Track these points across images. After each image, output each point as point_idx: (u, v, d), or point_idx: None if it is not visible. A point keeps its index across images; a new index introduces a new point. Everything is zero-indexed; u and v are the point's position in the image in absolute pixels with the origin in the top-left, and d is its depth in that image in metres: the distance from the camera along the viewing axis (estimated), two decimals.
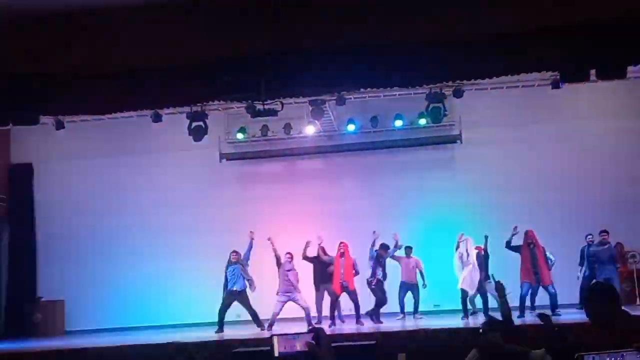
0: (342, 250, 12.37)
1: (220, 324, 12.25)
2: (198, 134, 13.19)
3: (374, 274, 12.57)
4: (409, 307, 13.08)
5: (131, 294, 15.08)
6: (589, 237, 12.67)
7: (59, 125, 13.98)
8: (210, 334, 11.45)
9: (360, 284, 12.61)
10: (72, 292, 14.98)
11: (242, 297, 12.38)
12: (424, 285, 13.11)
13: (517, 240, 12.23)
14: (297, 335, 3.09)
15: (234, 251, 12.69)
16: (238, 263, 12.53)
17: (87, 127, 14.59)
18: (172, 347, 9.77)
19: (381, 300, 12.62)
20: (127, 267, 15.30)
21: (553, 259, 12.48)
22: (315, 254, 12.63)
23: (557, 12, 8.50)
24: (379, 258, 12.66)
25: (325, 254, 12.72)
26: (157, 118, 13.40)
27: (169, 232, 15.36)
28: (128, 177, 15.74)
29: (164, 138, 14.89)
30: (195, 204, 15.47)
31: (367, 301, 12.66)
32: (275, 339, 3.11)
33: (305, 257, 12.53)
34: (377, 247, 12.68)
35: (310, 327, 11.63)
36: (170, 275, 15.04)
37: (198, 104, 12.62)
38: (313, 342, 2.96)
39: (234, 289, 12.36)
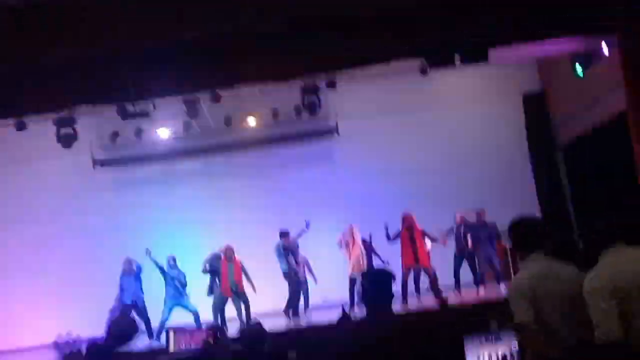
0: (229, 255, 12.19)
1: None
2: (67, 140, 12.56)
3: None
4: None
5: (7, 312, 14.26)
6: (457, 217, 13.12)
7: None
8: None
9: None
10: None
11: (136, 308, 12.14)
12: (315, 282, 13.16)
13: (397, 229, 12.50)
14: (193, 332, 2.97)
15: (127, 259, 12.31)
16: (131, 273, 12.20)
17: None
18: None
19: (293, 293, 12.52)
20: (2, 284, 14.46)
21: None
22: None
23: None
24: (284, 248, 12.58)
25: None
26: (21, 126, 12.66)
27: (46, 244, 14.65)
28: None
29: (31, 147, 14.11)
30: (70, 213, 14.82)
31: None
32: (171, 334, 2.98)
33: None
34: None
35: (209, 325, 11.49)
36: (50, 287, 14.37)
37: (65, 109, 12.03)
38: (210, 340, 2.86)
39: (129, 301, 12.09)
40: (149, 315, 12.19)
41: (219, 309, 12.12)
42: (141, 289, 12.29)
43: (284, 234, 12.60)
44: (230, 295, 12.10)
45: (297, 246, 12.79)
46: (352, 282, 12.51)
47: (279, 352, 8.92)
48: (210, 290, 12.41)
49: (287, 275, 12.51)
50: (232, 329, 11.48)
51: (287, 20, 8.63)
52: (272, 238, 12.76)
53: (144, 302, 12.23)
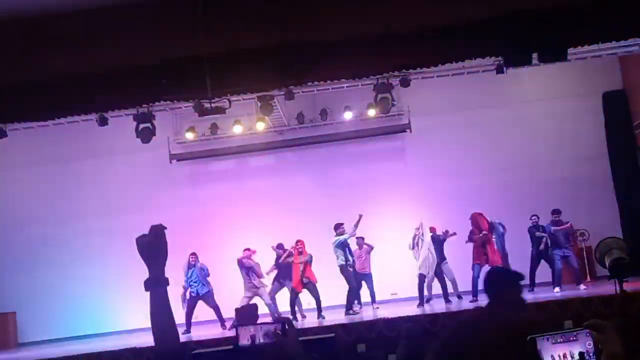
0: (299, 248, 12.35)
1: (188, 327, 12.24)
2: (146, 135, 12.96)
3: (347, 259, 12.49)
4: (364, 297, 13.09)
5: (84, 302, 14.82)
6: (533, 218, 12.87)
7: (2, 134, 13.57)
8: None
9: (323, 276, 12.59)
10: (24, 304, 14.66)
11: (205, 298, 12.43)
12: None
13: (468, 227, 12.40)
14: (263, 326, 3.04)
15: (192, 253, 12.62)
16: (195, 266, 12.48)
17: (32, 135, 14.23)
18: (129, 353, 9.60)
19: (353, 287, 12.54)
20: (79, 275, 15.04)
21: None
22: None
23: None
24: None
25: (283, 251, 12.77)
26: (102, 122, 13.13)
27: (121, 237, 15.08)
28: (76, 182, 15.45)
29: (111, 141, 14.63)
30: (147, 206, 15.21)
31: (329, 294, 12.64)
32: (239, 330, 3.06)
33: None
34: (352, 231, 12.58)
35: (276, 317, 11.71)
36: (123, 280, 14.82)
37: (144, 106, 12.41)
38: (280, 332, 2.92)
39: (199, 293, 12.42)
40: (216, 304, 12.45)
41: (291, 301, 12.30)
42: (205, 280, 12.53)
43: (338, 226, 12.62)
44: (300, 289, 12.24)
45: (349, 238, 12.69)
46: (421, 278, 12.44)
47: (348, 344, 9.03)
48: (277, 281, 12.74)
49: (343, 268, 12.47)
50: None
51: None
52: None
53: (209, 292, 12.49)
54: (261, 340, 3.00)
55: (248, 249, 12.61)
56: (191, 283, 12.47)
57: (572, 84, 15.09)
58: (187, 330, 12.13)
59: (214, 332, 11.51)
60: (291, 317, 12.01)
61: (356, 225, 12.41)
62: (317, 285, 12.22)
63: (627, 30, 9.99)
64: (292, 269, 12.41)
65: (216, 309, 12.43)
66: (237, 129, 14.69)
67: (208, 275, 12.60)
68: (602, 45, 11.55)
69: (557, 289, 11.92)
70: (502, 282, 4.05)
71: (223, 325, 12.19)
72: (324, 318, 11.92)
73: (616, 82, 15.36)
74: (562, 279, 12.24)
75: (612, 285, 9.88)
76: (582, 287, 11.87)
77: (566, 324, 8.82)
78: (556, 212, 12.52)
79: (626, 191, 14.97)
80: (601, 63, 14.29)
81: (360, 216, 12.34)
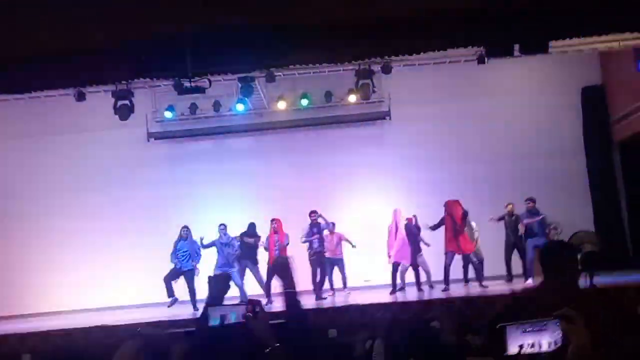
0: (275, 227, 12.35)
1: (170, 294, 12.34)
2: (124, 113, 12.81)
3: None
4: (337, 283, 13.13)
5: (58, 277, 14.71)
6: (508, 206, 12.96)
7: None
8: (137, 316, 11.23)
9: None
10: None
11: (186, 275, 12.45)
12: (353, 246, 13.05)
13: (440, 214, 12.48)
14: (233, 307, 3.03)
15: (184, 226, 12.72)
16: (187, 239, 12.56)
17: (7, 108, 14.03)
18: (99, 330, 9.49)
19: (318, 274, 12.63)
20: (55, 249, 14.93)
21: (476, 229, 12.79)
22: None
23: None
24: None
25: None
26: (80, 97, 12.98)
27: (97, 213, 15.05)
28: (53, 157, 15.27)
29: (88, 117, 14.47)
30: (123, 184, 15.15)
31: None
32: (209, 310, 3.05)
33: None
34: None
35: (245, 299, 11.68)
36: (101, 256, 14.77)
37: (123, 82, 12.29)
38: (250, 314, 2.91)
39: (182, 269, 12.45)
40: (194, 285, 12.43)
41: (269, 281, 12.27)
42: (191, 255, 12.53)
43: (314, 213, 12.68)
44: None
45: (324, 225, 12.78)
46: (395, 267, 12.50)
47: (319, 329, 9.04)
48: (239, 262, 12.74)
49: (312, 255, 12.60)
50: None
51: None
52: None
53: (192, 270, 12.50)
54: (231, 321, 2.99)
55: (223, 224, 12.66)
56: (180, 255, 12.46)
57: (551, 78, 15.19)
58: (170, 295, 12.28)
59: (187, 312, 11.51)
60: (266, 298, 12.06)
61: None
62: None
63: (608, 26, 10.07)
64: (256, 251, 12.49)
65: (192, 291, 12.38)
66: (216, 109, 14.64)
67: (198, 254, 12.61)
68: (583, 40, 11.59)
69: (529, 280, 12.01)
70: (563, 256, 3.73)
71: (194, 306, 12.14)
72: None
73: (595, 78, 15.47)
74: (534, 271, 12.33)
75: (583, 279, 10.04)
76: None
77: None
78: (530, 199, 12.58)
79: (600, 186, 15.14)
80: (581, 57, 14.38)
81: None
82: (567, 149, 15.05)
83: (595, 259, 10.09)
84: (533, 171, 14.58)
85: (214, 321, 3.01)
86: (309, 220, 12.82)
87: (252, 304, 2.98)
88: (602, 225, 14.58)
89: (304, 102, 14.62)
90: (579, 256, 6.29)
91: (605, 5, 9.40)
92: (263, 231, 12.83)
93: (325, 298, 12.38)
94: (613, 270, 11.67)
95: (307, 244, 12.66)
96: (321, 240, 12.66)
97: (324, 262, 12.68)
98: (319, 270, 12.61)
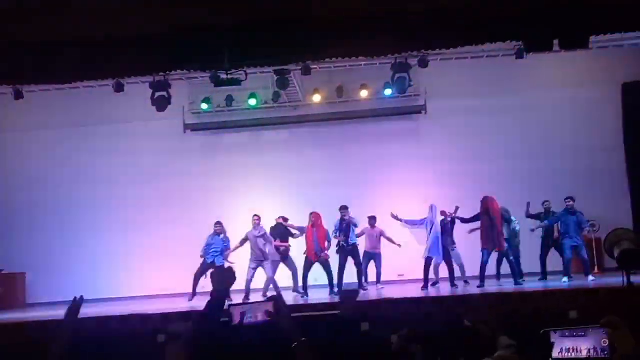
0: (313, 220, 12.37)
1: (194, 291, 12.37)
2: (161, 104, 12.99)
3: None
4: (372, 276, 13.11)
5: (95, 266, 14.96)
6: (546, 203, 12.77)
7: (18, 95, 13.61)
8: (172, 305, 11.35)
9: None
10: (34, 265, 14.79)
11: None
12: (398, 245, 12.97)
13: (476, 211, 12.33)
14: (255, 304, 3.04)
15: (217, 222, 12.71)
16: (221, 234, 12.58)
17: (47, 97, 14.28)
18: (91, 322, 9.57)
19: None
20: (90, 239, 15.19)
21: (517, 227, 12.64)
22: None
23: None
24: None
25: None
26: (119, 88, 13.15)
27: (133, 204, 15.25)
28: (90, 147, 15.48)
29: (126, 108, 14.63)
30: (159, 175, 15.31)
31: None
32: (232, 309, 3.06)
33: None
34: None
35: (268, 296, 11.69)
36: (134, 246, 14.96)
37: (161, 74, 12.42)
38: (272, 310, 2.92)
39: (210, 262, 12.45)
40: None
41: (305, 273, 12.33)
42: (223, 251, 12.58)
43: (343, 208, 12.63)
44: (315, 259, 12.27)
45: (354, 223, 12.65)
46: (428, 262, 12.42)
47: (352, 322, 9.05)
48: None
49: (341, 249, 12.53)
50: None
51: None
52: (352, 209, 12.77)
53: (222, 263, 12.49)
54: (255, 319, 2.99)
55: (257, 216, 12.63)
56: (212, 250, 12.50)
57: (591, 73, 14.93)
58: (192, 298, 12.22)
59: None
60: (302, 291, 12.12)
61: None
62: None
63: None
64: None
65: None
66: (253, 102, 14.70)
67: (228, 248, 12.64)
68: (625, 35, 11.39)
69: (565, 278, 11.86)
70: None
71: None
72: (336, 294, 11.95)
73: (636, 73, 15.16)
74: (572, 269, 12.16)
75: (620, 277, 9.89)
76: (590, 278, 11.80)
77: (571, 314, 8.84)
78: (569, 199, 12.35)
79: (639, 184, 14.86)
80: (622, 53, 14.11)
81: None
82: (607, 145, 14.80)
83: (633, 257, 9.90)
84: (572, 167, 14.39)
85: (236, 319, 3.01)
86: (356, 212, 12.81)
87: (273, 300, 2.99)
88: None
89: (252, 102, 14.57)
90: (616, 254, 6.20)
91: None
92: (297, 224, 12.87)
93: (366, 289, 12.34)
94: None
95: (336, 237, 12.62)
96: (347, 234, 12.55)
97: (355, 256, 12.61)
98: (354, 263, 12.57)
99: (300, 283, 12.38)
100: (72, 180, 15.45)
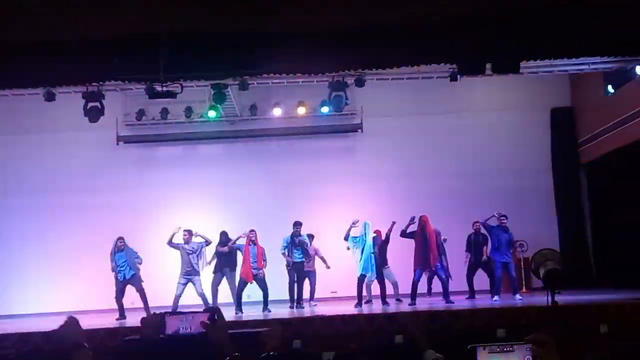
0: (252, 238, 12.25)
1: (121, 312, 12.01)
2: (94, 115, 12.65)
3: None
4: (305, 293, 13.06)
5: (17, 279, 14.52)
6: (475, 224, 12.96)
7: None
8: (95, 322, 11.02)
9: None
10: None
11: (132, 282, 12.19)
12: (327, 267, 12.91)
13: (412, 228, 12.47)
14: (192, 315, 2.97)
15: (120, 238, 12.36)
16: (124, 250, 12.25)
17: None
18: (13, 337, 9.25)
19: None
20: (13, 252, 14.76)
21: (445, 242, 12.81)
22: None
23: (457, 6, 8.73)
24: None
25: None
26: (50, 97, 12.79)
27: (61, 215, 14.85)
28: (19, 156, 15.05)
29: (57, 118, 14.27)
30: (91, 187, 14.96)
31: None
32: (166, 318, 2.98)
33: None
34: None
35: (206, 307, 11.49)
36: (59, 259, 14.55)
37: (94, 84, 12.16)
38: (208, 322, 2.84)
39: (126, 277, 12.15)
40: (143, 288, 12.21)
41: (240, 292, 12.16)
42: (133, 264, 12.28)
43: (297, 224, 12.61)
44: (251, 280, 12.13)
45: (306, 238, 12.70)
46: (361, 279, 12.47)
47: (284, 339, 8.99)
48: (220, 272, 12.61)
49: (293, 265, 12.50)
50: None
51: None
52: (286, 226, 12.75)
53: (135, 276, 12.22)
54: (190, 330, 2.93)
55: (189, 231, 12.44)
56: (119, 268, 12.18)
57: (522, 97, 15.39)
58: (121, 317, 11.92)
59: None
60: (236, 309, 11.91)
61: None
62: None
63: (579, 49, 10.26)
64: (235, 258, 12.43)
65: (142, 293, 12.18)
66: (188, 115, 14.56)
67: (138, 260, 12.37)
68: (554, 62, 11.80)
69: (496, 297, 12.06)
70: None
71: (147, 311, 11.89)
72: (269, 311, 11.87)
73: (565, 99, 15.74)
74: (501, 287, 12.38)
75: (545, 296, 10.12)
76: (517, 297, 12.05)
77: (499, 332, 9.00)
78: (503, 216, 12.59)
79: (566, 206, 15.36)
80: (552, 79, 14.62)
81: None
82: (536, 167, 15.27)
83: (558, 276, 10.15)
84: (501, 188, 14.75)
85: (171, 330, 2.95)
86: (284, 231, 12.73)
87: (211, 311, 2.93)
88: (566, 244, 14.76)
89: (211, 113, 14.45)
90: (541, 274, 6.35)
91: (576, 29, 9.58)
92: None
93: (303, 307, 12.31)
94: (575, 289, 11.82)
95: (286, 253, 12.55)
96: (304, 251, 12.56)
97: (302, 273, 12.60)
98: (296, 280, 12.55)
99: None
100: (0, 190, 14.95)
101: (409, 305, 11.77)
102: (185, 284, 12.17)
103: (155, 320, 2.84)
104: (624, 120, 13.18)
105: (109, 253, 12.29)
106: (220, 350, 2.75)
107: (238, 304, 12.01)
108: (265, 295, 12.11)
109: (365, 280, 12.49)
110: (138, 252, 12.41)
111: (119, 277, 12.16)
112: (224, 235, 12.75)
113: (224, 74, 10.98)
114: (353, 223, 12.48)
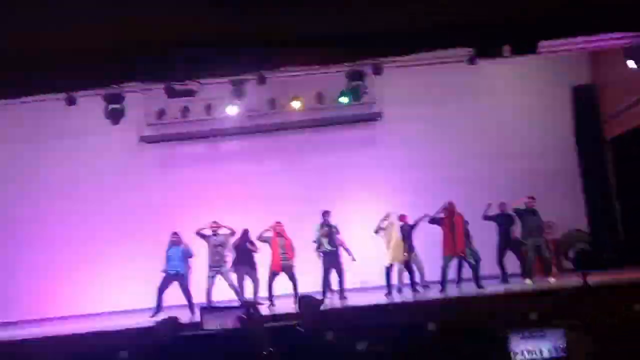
0: (278, 230, 12.30)
1: (158, 305, 12.03)
2: (115, 116, 12.75)
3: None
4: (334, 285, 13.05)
5: (48, 283, 14.67)
6: (502, 206, 12.86)
7: None
8: (136, 320, 11.13)
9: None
10: None
11: (180, 280, 12.25)
12: (353, 259, 12.73)
13: (439, 215, 12.43)
14: (228, 310, 2.98)
15: (174, 233, 12.51)
16: (179, 245, 12.38)
17: None
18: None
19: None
20: (42, 257, 14.88)
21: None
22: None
23: None
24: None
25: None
26: (71, 101, 12.90)
27: (89, 218, 14.99)
28: (43, 164, 15.19)
29: (79, 122, 14.39)
30: (115, 189, 15.09)
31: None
32: (203, 314, 3.00)
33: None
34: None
35: (241, 302, 11.55)
36: (88, 263, 14.71)
37: (114, 86, 12.24)
38: (245, 317, 2.85)
39: (173, 272, 12.24)
40: (189, 289, 12.30)
41: (269, 283, 12.21)
42: (185, 261, 12.42)
43: (326, 213, 12.58)
44: (280, 270, 12.18)
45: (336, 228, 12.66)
46: (389, 269, 12.48)
47: (316, 332, 9.01)
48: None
49: (326, 254, 12.42)
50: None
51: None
52: (310, 218, 12.77)
53: (185, 275, 12.35)
54: (227, 325, 2.95)
55: (215, 222, 12.49)
56: (171, 262, 12.30)
57: (543, 78, 15.22)
58: (157, 311, 11.99)
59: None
60: (268, 301, 12.00)
61: None
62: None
63: (596, 26, 10.11)
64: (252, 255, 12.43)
65: (187, 293, 12.27)
66: (209, 112, 14.58)
67: (191, 257, 12.49)
68: (573, 40, 11.63)
69: (528, 280, 12.01)
70: None
71: (191, 310, 12.00)
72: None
73: (586, 77, 15.54)
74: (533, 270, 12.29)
75: (578, 277, 10.06)
76: (551, 279, 11.96)
77: (531, 316, 8.95)
78: (531, 198, 12.51)
79: (593, 185, 15.19)
80: (572, 57, 14.44)
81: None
82: (560, 148, 15.12)
83: (588, 257, 10.09)
84: (526, 171, 14.60)
85: (209, 326, 2.97)
86: (315, 221, 12.70)
87: (247, 306, 2.94)
88: (595, 223, 14.61)
89: (232, 109, 14.31)
90: (571, 255, 6.31)
91: (593, 5, 9.43)
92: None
93: (346, 297, 12.23)
94: (606, 269, 11.71)
95: (318, 243, 12.48)
96: (332, 240, 12.47)
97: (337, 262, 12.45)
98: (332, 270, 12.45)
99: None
100: (25, 196, 15.09)
101: (440, 292, 11.77)
102: (214, 277, 12.23)
103: (169, 323, 2.86)
104: None
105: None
106: (258, 344, 2.77)
107: (270, 295, 12.08)
108: (296, 287, 12.14)
109: (394, 268, 12.50)
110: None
111: (169, 272, 12.24)
112: (246, 233, 12.75)
113: (240, 69, 10.97)
114: (385, 218, 12.47)
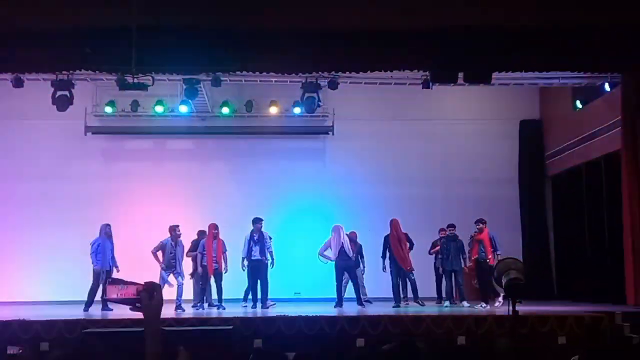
0: (215, 232, 12.20)
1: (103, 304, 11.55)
2: (62, 103, 12.46)
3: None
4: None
5: None
6: (442, 232, 13.05)
7: None
8: (58, 312, 10.83)
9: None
10: None
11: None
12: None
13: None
14: (131, 285, 2.94)
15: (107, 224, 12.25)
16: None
17: None
18: (16, 324, 9.14)
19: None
20: None
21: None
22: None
23: (433, 15, 8.80)
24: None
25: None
26: (18, 83, 12.58)
27: (25, 204, 14.61)
28: None
29: (24, 105, 14.05)
30: (57, 176, 14.74)
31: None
32: (108, 286, 2.97)
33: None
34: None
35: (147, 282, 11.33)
36: (23, 249, 14.32)
37: (64, 72, 11.99)
38: (145, 292, 2.80)
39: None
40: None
41: (204, 286, 12.15)
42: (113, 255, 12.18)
43: (257, 220, 12.49)
44: (212, 273, 12.07)
45: (268, 237, 12.48)
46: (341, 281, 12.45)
47: (245, 338, 8.95)
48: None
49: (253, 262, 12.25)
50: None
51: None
52: (247, 223, 12.66)
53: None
54: (127, 297, 2.91)
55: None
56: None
57: (493, 108, 15.54)
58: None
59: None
60: (206, 303, 12.03)
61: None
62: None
63: (549, 64, 10.41)
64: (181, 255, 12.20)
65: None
66: (158, 109, 14.38)
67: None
68: (525, 74, 11.94)
69: (464, 302, 12.23)
70: None
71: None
72: (224, 308, 11.82)
73: (534, 112, 15.93)
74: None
75: (505, 305, 10.23)
76: (465, 304, 12.22)
77: (459, 340, 9.09)
78: (451, 226, 12.74)
79: (531, 217, 15.54)
80: (522, 91, 14.80)
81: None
82: (504, 177, 15.42)
83: (520, 286, 10.26)
84: (469, 195, 14.82)
85: (112, 295, 2.92)
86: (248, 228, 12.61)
87: (152, 285, 2.88)
88: (529, 254, 14.92)
89: (183, 108, 14.25)
90: (503, 282, 6.44)
91: (548, 44, 9.72)
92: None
93: (274, 304, 12.18)
94: (536, 300, 11.97)
95: (247, 251, 12.33)
96: (262, 249, 12.32)
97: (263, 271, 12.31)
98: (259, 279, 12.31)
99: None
100: None
101: (393, 307, 11.85)
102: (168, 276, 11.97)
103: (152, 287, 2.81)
104: (590, 135, 13.39)
105: (89, 243, 12.05)
106: (148, 323, 2.73)
107: (200, 299, 12.09)
108: (219, 291, 12.13)
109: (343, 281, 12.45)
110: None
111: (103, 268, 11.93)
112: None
113: (196, 68, 10.90)
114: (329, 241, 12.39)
